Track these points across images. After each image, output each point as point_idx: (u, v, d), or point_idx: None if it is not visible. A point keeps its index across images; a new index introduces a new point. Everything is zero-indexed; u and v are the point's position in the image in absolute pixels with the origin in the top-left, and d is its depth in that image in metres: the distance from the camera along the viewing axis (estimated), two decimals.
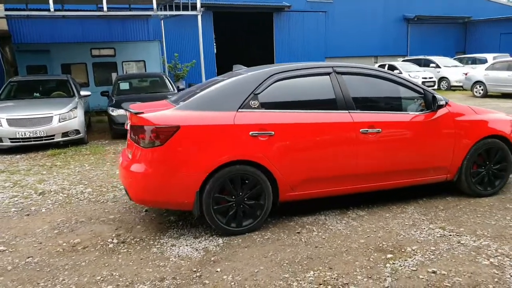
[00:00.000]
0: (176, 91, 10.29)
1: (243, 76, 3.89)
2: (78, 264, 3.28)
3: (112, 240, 3.70)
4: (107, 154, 7.66)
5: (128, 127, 3.87)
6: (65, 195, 5.10)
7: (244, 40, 26.51)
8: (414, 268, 2.96)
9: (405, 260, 3.08)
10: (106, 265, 3.24)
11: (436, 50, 24.97)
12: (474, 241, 3.36)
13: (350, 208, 4.20)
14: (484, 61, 19.45)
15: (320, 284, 2.80)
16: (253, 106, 3.69)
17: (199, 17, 9.66)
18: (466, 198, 4.37)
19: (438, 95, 4.12)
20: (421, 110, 4.19)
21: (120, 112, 9.02)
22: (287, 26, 23.96)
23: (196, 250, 3.43)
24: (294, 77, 3.90)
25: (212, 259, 3.26)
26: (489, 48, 24.32)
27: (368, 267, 3.01)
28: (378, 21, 25.51)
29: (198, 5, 9.59)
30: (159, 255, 3.37)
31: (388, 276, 2.86)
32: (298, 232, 3.69)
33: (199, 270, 3.09)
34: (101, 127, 11.10)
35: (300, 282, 2.85)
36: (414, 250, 3.24)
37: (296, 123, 3.73)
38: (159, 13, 9.46)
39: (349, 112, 3.88)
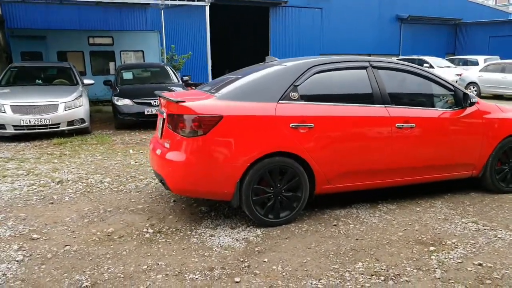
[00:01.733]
0: (180, 82, 10.21)
1: (283, 67, 3.88)
2: (119, 253, 3.24)
3: (147, 230, 3.66)
4: (115, 144, 7.54)
5: (165, 116, 3.82)
6: (85, 184, 5.01)
7: (239, 34, 26.37)
8: (460, 261, 3.02)
9: (448, 253, 3.14)
10: (148, 254, 3.21)
11: (427, 50, 25.31)
12: (510, 235, 3.45)
13: (380, 202, 4.25)
14: (475, 63, 19.86)
15: (372, 275, 2.84)
16: (293, 98, 3.69)
17: (207, 8, 9.57)
18: (489, 194, 4.47)
19: (469, 93, 4.19)
20: (450, 107, 4.26)
21: (126, 101, 8.94)
22: (283, 21, 23.94)
23: (237, 240, 3.43)
24: (333, 70, 3.91)
25: (256, 249, 3.26)
26: (478, 50, 24.80)
27: (414, 259, 3.06)
28: (373, 19, 25.72)
29: None
30: (201, 245, 3.35)
31: (436, 268, 2.91)
32: (335, 225, 3.71)
33: (246, 260, 3.08)
34: (101, 117, 10.92)
35: (352, 273, 2.87)
36: (454, 243, 3.30)
37: (335, 116, 3.75)
38: (167, 2, 9.32)
39: (385, 106, 3.92)
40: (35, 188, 4.86)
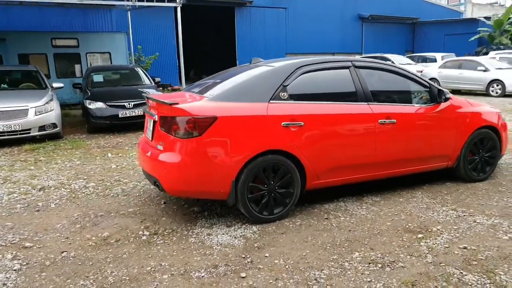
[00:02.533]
0: (153, 83, 10.11)
1: (271, 68, 4.00)
2: (119, 256, 3.24)
3: (143, 232, 3.67)
4: (91, 148, 7.39)
5: (156, 118, 3.83)
6: (69, 190, 4.92)
7: (206, 34, 26.25)
8: (447, 245, 3.25)
9: (435, 239, 3.37)
10: (149, 256, 3.23)
11: (387, 48, 26.26)
12: (487, 220, 3.73)
13: (365, 195, 4.45)
14: (433, 60, 20.81)
15: (370, 263, 3.01)
16: (283, 98, 3.81)
17: (179, 9, 9.51)
18: (463, 183, 4.78)
19: (443, 89, 4.48)
20: (425, 103, 4.53)
21: (99, 105, 8.77)
22: (249, 21, 24.09)
23: (235, 238, 3.51)
24: (318, 70, 4.07)
25: (256, 245, 3.36)
26: (435, 47, 26.01)
27: (406, 246, 3.26)
28: (336, 19, 26.36)
29: None
30: (200, 244, 3.41)
31: (427, 253, 3.12)
32: (326, 218, 3.87)
33: (248, 256, 3.18)
34: (70, 121, 10.60)
35: (351, 262, 3.03)
36: (439, 229, 3.54)
37: (323, 114, 3.91)
38: (136, 3, 9.17)
39: (368, 104, 4.12)
40: (16, 196, 4.72)
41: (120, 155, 6.76)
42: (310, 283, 2.77)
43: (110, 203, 4.45)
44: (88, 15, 15.29)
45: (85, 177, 5.46)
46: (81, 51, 14.08)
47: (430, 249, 3.19)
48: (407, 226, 3.64)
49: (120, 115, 8.71)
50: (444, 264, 2.95)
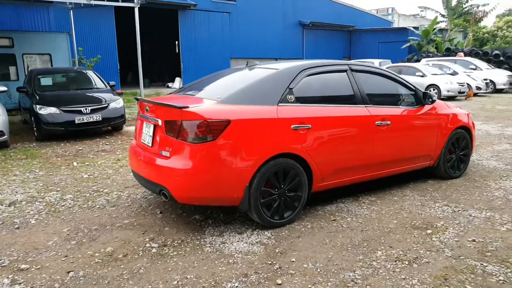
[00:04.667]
0: (108, 87, 9.56)
1: (277, 71, 3.95)
2: (136, 272, 3.00)
3: (151, 244, 3.44)
4: (49, 157, 6.78)
5: (160, 123, 3.61)
6: (44, 204, 4.47)
7: (149, 37, 25.35)
8: (457, 239, 3.43)
9: (444, 234, 3.54)
10: (169, 269, 3.03)
11: (327, 55, 27.44)
12: (479, 213, 4.00)
13: (359, 195, 4.57)
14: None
15: (396, 261, 3.08)
16: (289, 100, 3.79)
17: (136, 10, 9.09)
18: (443, 181, 5.09)
19: (429, 92, 4.75)
20: (408, 105, 4.76)
21: (51, 110, 8.12)
22: (193, 25, 23.80)
23: (252, 244, 3.41)
24: (320, 73, 4.10)
25: (277, 251, 3.29)
26: (370, 54, 27.64)
27: (421, 242, 3.39)
28: (278, 25, 26.95)
29: None
30: (218, 253, 3.26)
31: (443, 248, 3.27)
32: (334, 220, 3.91)
33: (274, 262, 3.10)
34: (11, 128, 9.64)
35: (378, 261, 3.08)
36: (443, 225, 3.73)
37: (328, 117, 3.95)
38: (93, 2, 8.56)
39: (365, 106, 4.24)
40: None
41: (87, 164, 6.28)
42: (349, 285, 2.77)
43: (99, 216, 4.11)
44: (22, 12, 14.09)
45: (58, 189, 4.99)
46: (16, 52, 12.93)
47: (444, 244, 3.35)
48: (412, 223, 3.79)
49: (76, 121, 8.10)
50: (463, 257, 3.11)
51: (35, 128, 8.36)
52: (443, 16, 29.20)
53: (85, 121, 8.18)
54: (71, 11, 13.34)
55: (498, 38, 34.34)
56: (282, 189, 3.70)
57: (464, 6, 28.76)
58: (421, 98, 4.73)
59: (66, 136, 8.40)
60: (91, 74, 9.93)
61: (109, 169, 5.94)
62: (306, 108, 3.86)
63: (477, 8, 29.23)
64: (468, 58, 20.14)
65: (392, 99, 4.71)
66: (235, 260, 3.14)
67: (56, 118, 8.09)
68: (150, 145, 3.78)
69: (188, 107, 3.40)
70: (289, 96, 3.79)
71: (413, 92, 4.77)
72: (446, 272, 2.90)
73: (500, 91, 18.32)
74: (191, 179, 3.40)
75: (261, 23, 26.01)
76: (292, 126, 3.69)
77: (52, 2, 13.79)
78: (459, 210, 4.09)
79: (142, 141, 3.95)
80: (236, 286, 2.78)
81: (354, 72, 4.31)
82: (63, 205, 4.43)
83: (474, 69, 18.44)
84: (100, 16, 19.58)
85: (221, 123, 3.37)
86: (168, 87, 24.12)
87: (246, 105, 3.60)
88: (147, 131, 3.86)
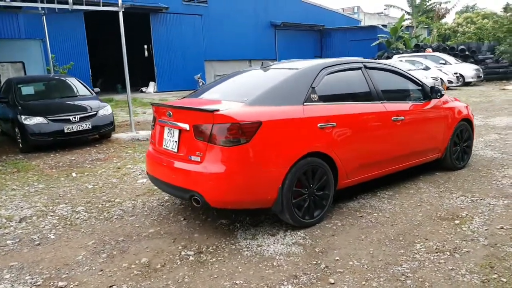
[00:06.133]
0: (94, 94, 9.27)
1: (298, 70, 3.95)
2: (181, 281, 2.92)
3: (186, 252, 3.35)
4: (43, 169, 6.49)
5: (187, 127, 3.52)
6: (58, 218, 4.27)
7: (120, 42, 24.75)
8: (486, 228, 3.54)
9: (471, 223, 3.65)
10: (215, 276, 2.97)
11: (299, 54, 27.66)
12: (497, 201, 4.15)
13: (376, 190, 4.63)
14: None
15: (437, 252, 3.14)
16: (313, 100, 3.80)
17: (121, 14, 8.84)
18: (449, 172, 5.24)
19: (437, 86, 4.89)
20: (418, 100, 4.87)
21: (38, 120, 7.80)
22: (165, 29, 23.49)
23: (289, 245, 3.39)
24: (338, 71, 4.14)
25: (317, 250, 3.28)
26: (341, 52, 28.17)
27: (453, 233, 3.47)
28: (250, 26, 26.99)
29: (120, 0, 8.75)
30: (259, 257, 3.22)
31: (477, 237, 3.37)
32: (361, 216, 3.94)
33: (319, 262, 3.09)
34: None
35: (420, 254, 3.13)
36: (468, 215, 3.84)
37: (351, 114, 3.99)
38: (75, 7, 8.19)
39: (381, 102, 4.31)
40: None
41: (87, 174, 6.05)
42: (401, 279, 2.80)
43: (121, 226, 3.97)
44: None
45: (66, 201, 4.79)
46: None
47: (476, 233, 3.44)
48: (438, 215, 3.88)
49: (66, 130, 7.80)
50: (499, 244, 3.22)
51: (19, 140, 7.97)
52: (408, 13, 30.15)
53: (75, 130, 7.89)
54: (44, 17, 12.82)
55: (459, 34, 35.82)
56: (311, 188, 3.70)
57: (427, 3, 29.79)
58: (428, 92, 4.86)
59: (52, 146, 8.06)
60: (74, 81, 9.59)
61: (112, 178, 5.75)
62: (329, 107, 3.88)
63: (440, 5, 30.39)
64: (438, 53, 20.89)
65: (403, 95, 4.81)
66: (279, 262, 3.11)
67: (43, 128, 7.75)
68: (175, 150, 3.69)
69: (219, 110, 3.34)
70: (313, 95, 3.80)
71: (420, 87, 4.89)
72: (489, 260, 2.99)
73: (468, 84, 19.10)
74: (226, 182, 3.34)
75: (234, 24, 25.99)
76: (319, 125, 3.70)
77: (21, 8, 13.22)
78: (477, 200, 4.23)
79: (165, 147, 3.85)
80: None
81: (368, 69, 4.38)
82: (77, 218, 4.25)
83: (444, 63, 19.15)
84: (69, 21, 18.99)
85: (253, 125, 3.33)
86: (142, 92, 23.67)
87: (274, 105, 3.58)
88: (171, 136, 3.77)
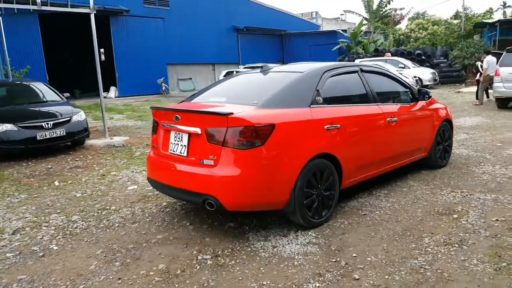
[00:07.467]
0: (64, 99, 8.90)
1: (302, 73, 4.03)
2: (206, 285, 2.90)
3: (203, 256, 3.33)
4: (19, 179, 6.14)
5: (199, 131, 3.49)
6: (54, 228, 4.08)
7: (79, 44, 23.82)
8: (483, 220, 3.78)
9: (468, 217, 3.88)
10: (240, 278, 2.97)
11: (262, 58, 27.88)
12: (486, 196, 4.43)
13: (371, 189, 4.80)
14: None
15: (446, 245, 3.32)
16: (319, 102, 3.90)
17: (92, 16, 8.55)
18: (433, 170, 5.53)
19: (425, 89, 5.16)
20: (407, 101, 5.11)
21: (7, 127, 7.36)
22: (126, 32, 22.94)
23: (304, 245, 3.45)
24: (339, 74, 4.26)
25: (333, 248, 3.37)
26: (302, 57, 28.72)
27: (455, 227, 3.68)
28: (213, 30, 26.92)
29: (91, 2, 8.46)
30: (278, 258, 3.26)
31: (478, 229, 3.59)
32: (364, 214, 4.08)
33: (339, 259, 3.17)
34: None
35: (430, 247, 3.30)
36: (463, 209, 4.08)
37: (353, 116, 4.13)
38: (45, 7, 7.75)
39: (377, 104, 4.49)
40: None
41: (70, 182, 5.80)
42: (421, 271, 2.94)
43: (127, 234, 3.86)
44: None
45: (58, 211, 4.58)
46: None
47: (475, 226, 3.67)
48: (437, 210, 4.09)
49: (38, 138, 7.41)
50: (500, 235, 3.45)
51: None
52: (366, 19, 31.32)
53: (48, 137, 7.52)
54: (1, 18, 12.13)
55: (411, 39, 37.67)
56: (319, 189, 3.79)
57: (383, 10, 31.09)
58: (415, 94, 5.12)
59: (22, 155, 7.64)
60: (41, 86, 9.15)
61: (100, 185, 5.56)
62: (333, 109, 3.99)
63: (395, 11, 31.81)
64: (397, 58, 21.84)
65: (394, 96, 5.02)
66: (299, 262, 3.16)
67: (13, 135, 7.33)
68: (185, 155, 3.65)
69: (233, 113, 3.35)
70: (318, 98, 3.90)
71: (408, 90, 5.13)
72: (495, 250, 3.20)
73: (426, 87, 20.11)
74: (242, 185, 3.35)
75: (197, 28, 25.83)
76: (325, 126, 3.80)
77: None
78: (467, 195, 4.49)
79: (171, 151, 3.79)
80: (318, 286, 2.81)
81: (364, 73, 4.55)
82: (76, 227, 4.08)
83: (403, 67, 20.05)
84: (24, 24, 18.10)
85: (267, 127, 3.37)
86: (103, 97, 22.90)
87: (284, 108, 3.63)
88: (179, 141, 3.72)
